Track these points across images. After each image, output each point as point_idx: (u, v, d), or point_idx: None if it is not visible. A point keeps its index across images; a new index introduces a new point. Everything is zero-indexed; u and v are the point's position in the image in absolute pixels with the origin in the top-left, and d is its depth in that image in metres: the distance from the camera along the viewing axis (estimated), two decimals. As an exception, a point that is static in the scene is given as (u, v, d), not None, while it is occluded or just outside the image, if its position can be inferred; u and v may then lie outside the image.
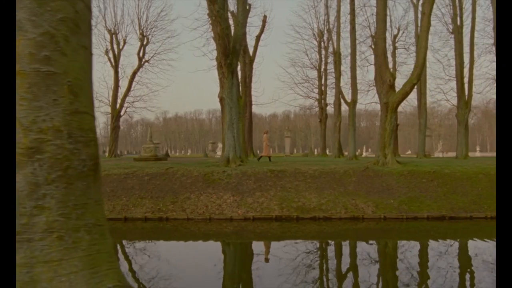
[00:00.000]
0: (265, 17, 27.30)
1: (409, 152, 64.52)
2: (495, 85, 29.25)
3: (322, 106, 32.56)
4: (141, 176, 13.84)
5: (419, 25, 25.67)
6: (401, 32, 31.83)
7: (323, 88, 32.27)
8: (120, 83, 32.64)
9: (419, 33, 14.21)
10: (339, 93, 25.07)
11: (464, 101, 21.26)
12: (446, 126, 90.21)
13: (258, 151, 73.89)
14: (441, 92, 29.08)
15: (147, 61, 33.11)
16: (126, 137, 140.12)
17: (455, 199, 12.40)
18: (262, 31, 27.18)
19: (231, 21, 17.41)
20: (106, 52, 32.16)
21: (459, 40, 21.17)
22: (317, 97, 33.45)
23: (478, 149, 60.52)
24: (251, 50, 26.96)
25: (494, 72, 27.46)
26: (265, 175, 13.83)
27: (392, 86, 15.01)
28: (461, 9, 21.28)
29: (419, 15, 25.71)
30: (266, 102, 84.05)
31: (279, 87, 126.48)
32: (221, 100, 15.43)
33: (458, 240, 9.86)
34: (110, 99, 32.00)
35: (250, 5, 25.92)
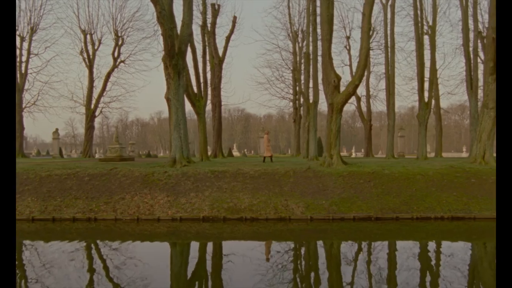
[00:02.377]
0: (235, 17, 27.35)
1: (380, 152, 64.87)
2: (463, 86, 29.25)
3: (297, 106, 32.58)
4: (82, 176, 13.88)
5: (388, 25, 25.74)
6: (375, 33, 31.80)
7: (297, 88, 32.29)
8: (95, 83, 32.76)
9: (361, 34, 14.23)
10: (307, 94, 25.09)
11: (424, 102, 21.28)
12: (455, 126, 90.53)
13: (246, 150, 73.79)
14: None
15: (122, 61, 33.17)
16: (121, 137, 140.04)
17: (387, 199, 12.44)
18: (232, 31, 27.22)
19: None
20: (81, 53, 32.24)
21: (420, 41, 21.18)
22: (292, 97, 33.47)
23: (464, 149, 60.56)
24: (220, 51, 27.00)
25: (463, 74, 27.47)
26: (205, 175, 13.87)
27: (337, 87, 15.05)
28: (421, 10, 21.30)
29: (389, 15, 25.78)
30: (237, 102, 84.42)
31: (254, 88, 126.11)
32: (168, 100, 15.45)
33: (362, 240, 9.89)
34: (85, 99, 32.07)
35: (219, 5, 26.03)
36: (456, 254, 8.39)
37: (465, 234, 10.56)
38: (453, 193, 12.71)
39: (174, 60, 14.97)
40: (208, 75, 25.50)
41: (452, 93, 33.43)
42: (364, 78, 32.74)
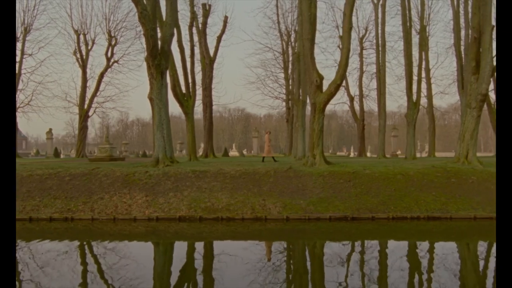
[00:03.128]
0: (226, 17, 27.39)
1: (368, 153, 64.79)
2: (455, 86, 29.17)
3: (289, 106, 32.58)
4: (63, 176, 13.91)
5: (379, 25, 25.69)
6: (368, 32, 31.76)
7: (290, 88, 32.29)
8: (89, 83, 32.86)
9: (342, 34, 14.21)
10: (298, 94, 25.07)
11: (412, 102, 21.24)
12: (440, 126, 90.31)
13: (246, 150, 73.75)
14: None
15: (116, 61, 33.27)
16: (122, 137, 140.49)
17: (365, 199, 12.42)
18: (223, 31, 27.25)
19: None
20: (74, 53, 32.35)
21: (408, 41, 21.13)
22: (284, 97, 33.48)
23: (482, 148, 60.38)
24: (212, 51, 27.03)
25: (455, 73, 27.42)
26: (186, 175, 13.88)
27: (319, 87, 15.04)
28: (409, 9, 21.24)
29: (380, 15, 25.73)
30: (229, 102, 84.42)
31: (247, 87, 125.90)
32: (151, 100, 15.48)
33: (332, 240, 9.88)
34: (78, 99, 32.18)
35: (209, 5, 26.03)
36: (422, 253, 8.38)
37: (437, 234, 10.52)
38: (432, 193, 12.68)
39: (156, 60, 14.99)
40: (197, 76, 25.55)
41: (445, 92, 33.29)
42: (357, 78, 32.72)
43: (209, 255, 8.53)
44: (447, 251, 8.76)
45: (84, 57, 31.99)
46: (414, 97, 21.26)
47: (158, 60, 15.07)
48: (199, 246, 9.43)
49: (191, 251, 9.02)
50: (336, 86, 14.59)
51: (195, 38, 24.93)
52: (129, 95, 64.24)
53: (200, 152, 31.40)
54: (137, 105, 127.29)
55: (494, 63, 15.78)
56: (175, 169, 14.44)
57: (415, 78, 30.52)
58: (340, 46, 33.00)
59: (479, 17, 14.21)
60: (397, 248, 9.13)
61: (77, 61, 32.18)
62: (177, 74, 20.53)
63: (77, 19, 39.25)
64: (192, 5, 22.24)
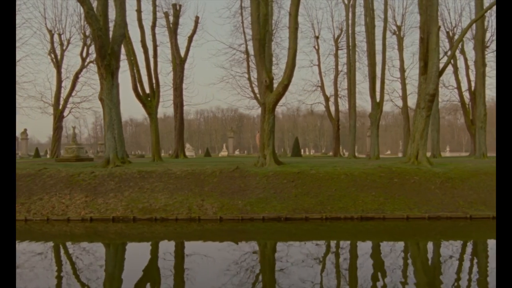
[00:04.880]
0: (197, 17, 27.34)
1: (359, 152, 64.78)
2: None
3: (265, 106, 32.52)
4: (7, 177, 13.84)
5: (350, 25, 25.70)
6: (343, 32, 31.76)
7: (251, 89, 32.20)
8: (64, 84, 32.72)
9: (288, 34, 14.21)
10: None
11: (376, 102, 21.26)
12: (442, 127, 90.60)
13: (238, 151, 73.74)
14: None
15: (91, 61, 33.10)
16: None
17: (304, 200, 12.42)
18: (194, 31, 27.20)
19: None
20: (49, 53, 32.21)
21: (371, 41, 21.14)
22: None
23: (448, 148, 60.51)
24: (182, 52, 26.99)
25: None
26: (131, 176, 13.85)
27: (268, 87, 15.03)
28: (372, 10, 21.25)
29: (350, 15, 25.75)
30: (201, 102, 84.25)
31: (221, 87, 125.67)
32: (101, 101, 15.44)
33: (247, 240, 9.88)
34: (53, 99, 32.04)
35: (180, 5, 25.99)
36: (331, 253, 8.39)
37: (356, 233, 10.51)
38: (372, 193, 12.69)
39: (106, 61, 14.95)
40: (169, 76, 25.52)
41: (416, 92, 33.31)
42: (332, 78, 32.74)
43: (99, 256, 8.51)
44: (334, 249, 8.77)
45: (59, 57, 31.83)
46: (378, 97, 21.27)
47: (108, 61, 15.02)
48: (99, 246, 9.41)
49: (91, 251, 8.99)
50: (283, 87, 14.58)
51: (165, 38, 24.92)
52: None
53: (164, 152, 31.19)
54: (129, 106, 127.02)
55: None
56: (122, 169, 14.40)
57: (400, 79, 30.68)
58: (316, 47, 33.16)
59: (425, 18, 14.23)
60: (310, 248, 9.13)
61: (51, 61, 32.04)
62: (140, 74, 20.50)
63: (51, 20, 39.06)
64: (154, 5, 22.20)
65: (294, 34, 14.06)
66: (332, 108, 32.25)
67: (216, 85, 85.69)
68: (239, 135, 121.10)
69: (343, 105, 33.24)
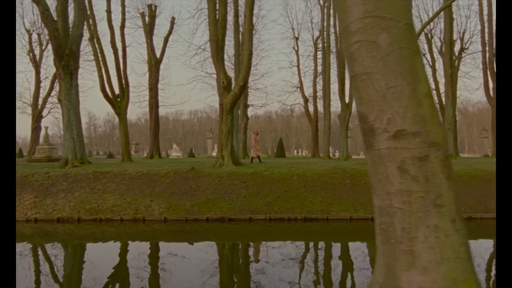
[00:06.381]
0: (173, 18, 27.36)
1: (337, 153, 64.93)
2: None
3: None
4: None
5: (325, 26, 25.78)
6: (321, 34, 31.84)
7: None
8: (44, 84, 32.69)
9: (244, 36, 14.25)
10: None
11: (345, 103, 21.33)
12: None
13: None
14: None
15: (71, 61, 33.07)
16: (109, 137, 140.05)
17: (253, 200, 12.46)
18: (170, 32, 27.23)
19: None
20: (28, 53, 32.18)
21: (340, 42, 21.16)
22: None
23: None
24: (158, 52, 27.00)
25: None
26: (85, 176, 13.86)
27: (226, 88, 15.07)
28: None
29: (325, 17, 25.83)
30: (176, 103, 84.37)
31: (201, 88, 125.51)
32: (60, 101, 15.43)
33: (182, 241, 9.92)
34: (31, 99, 32.01)
35: (156, 6, 26.00)
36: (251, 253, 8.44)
37: (293, 234, 10.57)
38: (321, 194, 12.75)
39: (64, 61, 14.95)
40: (145, 76, 25.53)
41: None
42: (311, 79, 32.83)
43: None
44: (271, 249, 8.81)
45: (38, 57, 31.81)
46: (347, 99, 21.34)
47: (66, 61, 15.03)
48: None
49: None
50: (239, 88, 14.62)
51: (141, 39, 24.89)
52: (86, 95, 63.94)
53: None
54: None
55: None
56: (78, 170, 14.41)
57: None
58: (296, 48, 33.22)
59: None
60: (234, 248, 9.17)
61: (30, 61, 32.01)
62: (109, 74, 20.48)
63: (30, 19, 38.96)
64: (123, 6, 22.20)
65: (249, 35, 14.11)
66: (312, 109, 32.34)
67: (196, 85, 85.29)
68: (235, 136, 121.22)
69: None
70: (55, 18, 15.14)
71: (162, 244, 9.64)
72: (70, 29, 15.50)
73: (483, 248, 8.58)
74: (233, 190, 12.97)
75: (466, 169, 14.13)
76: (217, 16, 14.95)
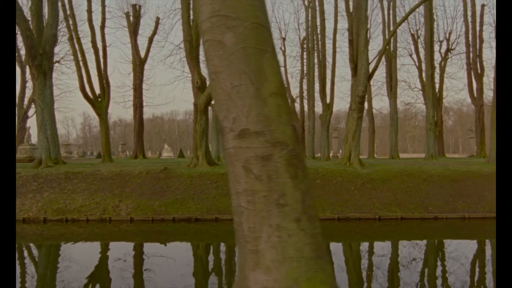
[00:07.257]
0: (157, 18, 27.29)
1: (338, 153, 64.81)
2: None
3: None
4: None
5: (309, 27, 25.79)
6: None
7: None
8: (30, 84, 32.54)
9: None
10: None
11: (326, 104, 21.35)
12: (419, 128, 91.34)
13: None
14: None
15: (57, 61, 32.97)
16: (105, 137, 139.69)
17: (221, 201, 12.43)
18: (155, 32, 27.15)
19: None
20: (14, 53, 32.05)
21: (322, 43, 21.25)
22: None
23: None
24: (142, 52, 26.96)
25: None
26: (57, 177, 13.80)
27: (200, 88, 15.06)
28: (321, 12, 21.36)
29: (309, 18, 25.87)
30: (161, 103, 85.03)
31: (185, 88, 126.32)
32: (34, 101, 15.37)
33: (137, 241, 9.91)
34: (17, 99, 31.85)
35: (140, 6, 25.94)
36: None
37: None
38: (291, 194, 12.73)
39: (37, 61, 14.89)
40: (130, 76, 25.44)
41: (380, 93, 33.52)
42: (298, 79, 32.85)
43: None
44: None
45: (22, 56, 31.65)
46: (328, 99, 21.37)
47: (39, 61, 14.97)
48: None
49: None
50: (213, 88, 14.58)
51: (126, 39, 24.83)
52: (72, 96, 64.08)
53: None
54: (118, 107, 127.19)
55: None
56: (50, 170, 14.35)
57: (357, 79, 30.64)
58: (282, 48, 33.23)
59: (352, 20, 14.33)
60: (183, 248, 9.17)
61: (16, 60, 31.85)
62: (89, 75, 20.41)
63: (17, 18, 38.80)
64: (103, 5, 22.13)
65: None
66: (298, 110, 32.35)
67: (178, 85, 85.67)
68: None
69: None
70: (29, 18, 15.09)
71: (118, 244, 9.62)
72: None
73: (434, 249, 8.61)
74: (203, 190, 12.96)
75: (438, 170, 14.18)
76: (191, 16, 14.95)
